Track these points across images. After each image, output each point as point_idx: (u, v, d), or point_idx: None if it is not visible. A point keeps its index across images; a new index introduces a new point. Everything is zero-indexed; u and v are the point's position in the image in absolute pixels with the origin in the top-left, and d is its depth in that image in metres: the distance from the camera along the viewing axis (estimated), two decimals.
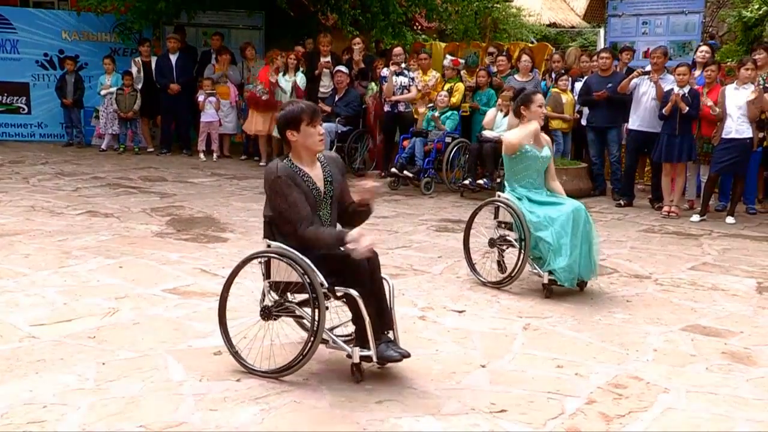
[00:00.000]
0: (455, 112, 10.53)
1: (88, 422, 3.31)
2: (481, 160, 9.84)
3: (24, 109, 13.56)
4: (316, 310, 3.76)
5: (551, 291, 5.55)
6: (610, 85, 9.82)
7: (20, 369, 3.85)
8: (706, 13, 14.80)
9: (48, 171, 10.50)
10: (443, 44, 14.35)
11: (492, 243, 5.90)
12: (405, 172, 10.05)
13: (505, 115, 9.58)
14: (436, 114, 10.30)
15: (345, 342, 3.96)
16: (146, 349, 4.20)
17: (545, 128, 10.84)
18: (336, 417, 3.47)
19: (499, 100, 9.91)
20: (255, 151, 12.65)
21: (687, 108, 8.54)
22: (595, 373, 4.10)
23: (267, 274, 3.97)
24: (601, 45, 17.28)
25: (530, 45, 14.40)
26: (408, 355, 3.88)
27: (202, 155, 12.40)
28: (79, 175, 10.20)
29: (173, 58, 12.64)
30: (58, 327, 4.47)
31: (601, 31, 19.76)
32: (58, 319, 4.60)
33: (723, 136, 8.59)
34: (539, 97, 5.77)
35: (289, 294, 3.95)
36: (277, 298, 3.94)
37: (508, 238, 5.78)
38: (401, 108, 10.76)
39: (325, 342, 3.97)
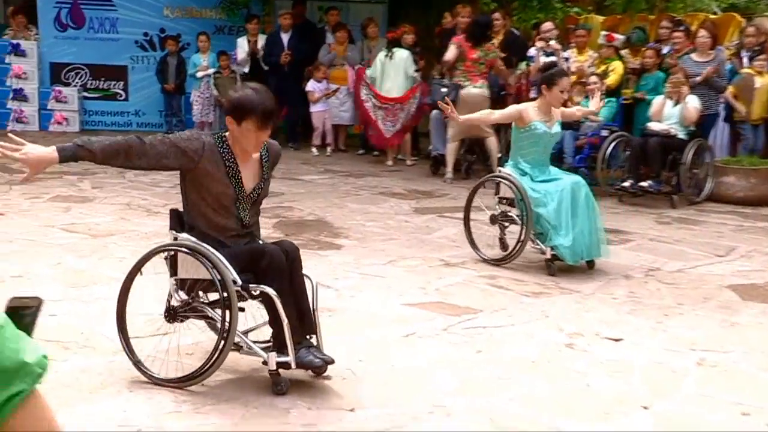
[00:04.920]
0: (612, 99, 10.29)
1: None
2: (645, 157, 9.56)
3: (121, 95, 14.12)
4: (227, 311, 3.83)
5: (553, 267, 6.26)
6: None
7: (114, 386, 4.05)
8: None
9: None
10: (601, 18, 14.05)
11: (493, 220, 6.62)
12: None
13: (676, 104, 9.34)
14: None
15: (262, 348, 4.03)
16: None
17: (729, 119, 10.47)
18: None
19: (668, 86, 9.60)
20: (375, 145, 12.63)
21: None
22: None
23: (173, 271, 4.06)
24: None
25: (712, 17, 13.85)
26: (331, 362, 3.91)
27: (314, 149, 12.67)
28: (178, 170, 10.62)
29: (285, 37, 12.75)
30: (154, 340, 4.65)
31: None
32: (155, 332, 4.79)
33: None
34: (565, 82, 6.43)
35: (201, 293, 4.06)
36: (185, 297, 4.04)
37: (509, 214, 6.51)
38: None
39: (239, 348, 4.07)
